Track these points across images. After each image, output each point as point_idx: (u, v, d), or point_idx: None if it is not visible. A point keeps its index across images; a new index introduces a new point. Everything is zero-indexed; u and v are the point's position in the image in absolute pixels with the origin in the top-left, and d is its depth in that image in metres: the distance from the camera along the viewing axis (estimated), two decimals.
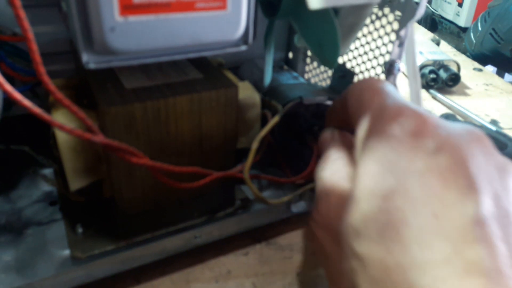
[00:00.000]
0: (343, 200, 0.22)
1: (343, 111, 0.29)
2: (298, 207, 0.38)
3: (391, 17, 0.36)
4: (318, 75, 0.49)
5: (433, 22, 0.94)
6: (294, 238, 0.39)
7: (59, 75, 0.36)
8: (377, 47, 0.39)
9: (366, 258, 0.19)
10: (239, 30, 0.27)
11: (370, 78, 0.26)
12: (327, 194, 0.24)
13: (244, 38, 0.29)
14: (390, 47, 0.37)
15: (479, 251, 0.17)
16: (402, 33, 0.33)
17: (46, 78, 0.24)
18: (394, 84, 0.35)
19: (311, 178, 0.39)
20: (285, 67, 0.50)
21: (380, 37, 0.38)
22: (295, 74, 0.47)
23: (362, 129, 0.23)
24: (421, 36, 0.83)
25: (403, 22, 0.34)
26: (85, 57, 0.26)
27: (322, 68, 0.48)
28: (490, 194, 0.19)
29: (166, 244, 0.33)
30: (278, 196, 0.38)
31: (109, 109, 0.28)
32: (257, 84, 0.44)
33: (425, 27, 0.94)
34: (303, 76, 0.52)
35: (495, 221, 0.18)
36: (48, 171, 0.41)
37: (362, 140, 0.22)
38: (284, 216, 0.38)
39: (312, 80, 0.50)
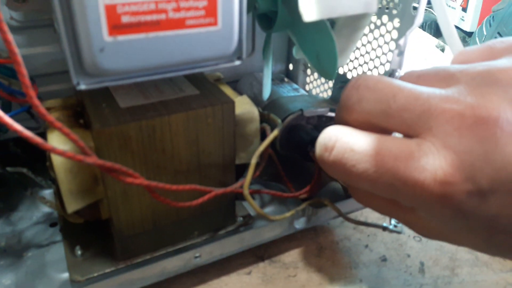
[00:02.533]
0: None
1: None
2: (301, 223, 0.37)
3: (390, 26, 0.35)
4: (319, 86, 0.48)
5: (437, 28, 0.93)
6: (298, 255, 0.39)
7: (59, 95, 0.36)
8: (377, 57, 0.38)
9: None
10: (232, 46, 0.27)
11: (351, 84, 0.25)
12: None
13: (237, 53, 0.28)
14: (390, 56, 0.36)
15: None
16: (401, 42, 0.33)
17: (35, 101, 0.23)
18: None
19: (314, 193, 0.38)
20: (286, 79, 0.49)
21: (380, 46, 0.37)
22: (295, 86, 0.47)
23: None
24: (425, 42, 0.82)
25: (402, 30, 0.33)
26: (76, 79, 0.25)
27: (323, 79, 0.47)
28: None
29: (165, 265, 0.32)
30: (282, 212, 0.37)
31: (103, 130, 0.28)
32: (257, 98, 0.43)
33: (430, 33, 0.93)
34: (304, 88, 0.51)
35: None
36: (48, 192, 0.41)
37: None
38: (287, 232, 0.37)
39: (314, 92, 0.50)
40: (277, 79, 0.48)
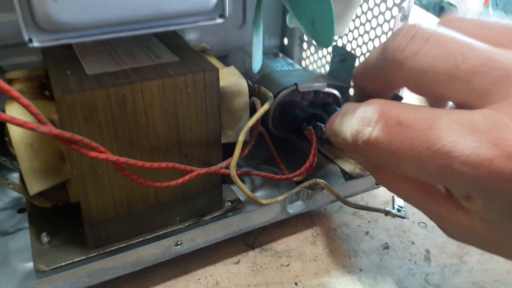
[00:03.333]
0: None
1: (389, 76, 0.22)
2: (295, 207, 0.34)
3: None
4: (316, 61, 0.45)
5: (441, 10, 0.89)
6: (291, 243, 0.35)
7: (29, 67, 0.33)
8: (379, 25, 0.34)
9: None
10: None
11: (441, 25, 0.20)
12: None
13: (219, 10, 0.24)
14: (392, 23, 0.32)
15: None
16: (404, 4, 0.29)
17: None
18: None
19: (309, 175, 0.35)
20: (280, 54, 0.45)
21: (381, 13, 0.33)
22: (290, 61, 0.43)
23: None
24: (429, 23, 0.79)
25: None
26: (27, 34, 0.21)
27: (320, 53, 0.44)
28: None
29: (141, 253, 0.29)
30: (274, 196, 0.33)
31: (65, 98, 0.24)
32: (248, 73, 0.39)
33: (434, 14, 0.89)
34: (300, 64, 0.47)
35: None
36: (17, 176, 0.37)
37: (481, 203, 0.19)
38: (280, 218, 0.34)
39: (310, 68, 0.46)
40: (270, 54, 0.44)
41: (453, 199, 0.21)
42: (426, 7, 0.91)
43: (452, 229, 0.22)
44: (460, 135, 0.17)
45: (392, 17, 0.32)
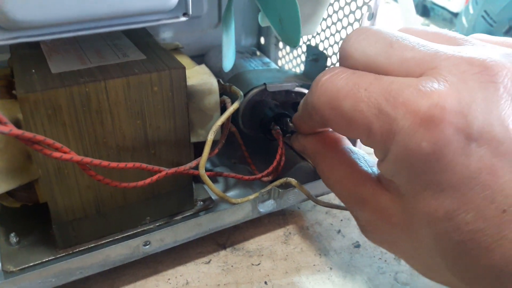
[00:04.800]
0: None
1: (314, 121, 0.25)
2: (266, 206, 0.34)
3: None
4: (292, 60, 0.45)
5: (424, 9, 0.90)
6: (263, 242, 0.35)
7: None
8: (350, 24, 0.34)
9: (453, 265, 0.19)
10: None
11: (329, 74, 0.22)
12: None
13: (182, 8, 0.24)
14: (361, 22, 0.32)
15: None
16: (371, 3, 0.29)
17: None
18: None
19: (278, 174, 0.35)
20: (258, 53, 0.45)
21: (352, 12, 0.34)
22: (266, 60, 0.43)
23: (379, 151, 0.21)
24: (411, 22, 0.79)
25: None
26: None
27: (295, 53, 0.44)
28: None
29: (109, 253, 0.29)
30: (247, 195, 0.33)
31: (27, 96, 0.24)
32: (223, 72, 0.39)
33: (417, 13, 0.90)
34: (276, 63, 0.47)
35: None
36: None
37: (389, 166, 0.20)
38: (251, 217, 0.34)
39: (286, 67, 0.46)
40: (247, 52, 0.44)
41: (381, 183, 0.22)
42: None
43: (371, 218, 0.23)
44: (394, 82, 0.20)
45: (362, 15, 0.33)
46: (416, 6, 0.92)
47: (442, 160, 0.18)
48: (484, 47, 0.20)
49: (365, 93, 0.20)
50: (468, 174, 0.18)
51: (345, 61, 0.23)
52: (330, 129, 0.28)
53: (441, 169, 0.18)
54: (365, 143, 0.21)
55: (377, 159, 0.22)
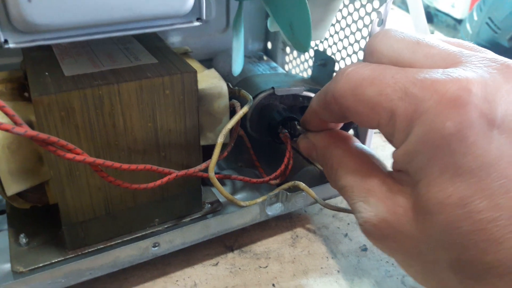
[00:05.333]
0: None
1: (329, 113, 0.26)
2: (274, 209, 0.34)
3: None
4: (299, 65, 0.45)
5: (428, 15, 0.90)
6: (270, 245, 0.35)
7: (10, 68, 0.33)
8: (359, 29, 0.35)
9: (456, 261, 0.19)
10: (187, 3, 0.23)
11: (354, 66, 0.23)
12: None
13: (196, 13, 0.25)
14: (371, 28, 0.33)
15: None
16: (382, 9, 0.29)
17: None
18: None
19: (286, 178, 0.35)
20: (265, 57, 0.46)
21: (361, 17, 0.34)
22: (274, 64, 0.43)
23: (399, 136, 0.21)
24: (411, 25, 0.80)
25: None
26: (3, 36, 0.22)
27: (303, 57, 0.44)
28: None
29: (118, 255, 0.29)
30: (254, 198, 0.34)
31: (42, 99, 0.24)
32: (231, 76, 0.40)
33: None
34: (283, 67, 0.48)
35: None
36: None
37: (408, 150, 0.20)
38: (259, 220, 0.34)
39: (293, 71, 0.47)
40: (254, 57, 0.45)
41: (391, 177, 0.23)
42: (409, 10, 0.91)
43: (376, 209, 0.22)
44: (420, 71, 0.20)
45: (371, 22, 0.33)
46: None
47: (464, 141, 0.18)
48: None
49: (391, 79, 0.21)
50: (487, 160, 0.18)
51: (371, 56, 0.23)
52: (338, 129, 0.29)
53: (462, 152, 0.18)
54: (385, 130, 0.21)
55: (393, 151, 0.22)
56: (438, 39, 0.22)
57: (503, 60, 0.20)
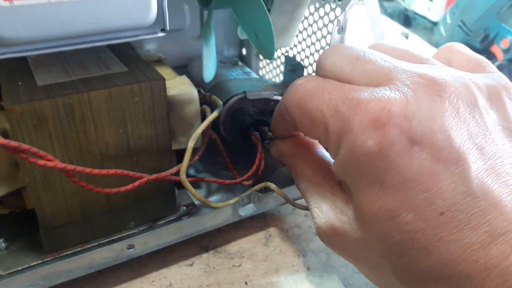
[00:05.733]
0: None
1: (285, 122, 0.28)
2: (246, 210, 0.36)
3: (333, 3, 0.33)
4: (271, 70, 0.47)
5: (406, 18, 0.92)
6: (244, 244, 0.37)
7: None
8: (323, 36, 0.36)
9: (395, 266, 0.20)
10: (150, 15, 0.25)
11: (303, 78, 0.25)
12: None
13: (160, 24, 0.26)
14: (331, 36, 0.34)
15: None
16: (341, 17, 0.31)
17: None
18: None
19: (258, 179, 0.36)
20: (240, 63, 0.47)
21: (325, 25, 0.35)
22: (247, 70, 0.45)
23: (333, 150, 0.23)
24: (392, 31, 0.82)
25: (343, 6, 0.31)
26: None
27: (275, 63, 0.46)
28: (476, 153, 0.19)
29: (94, 257, 0.30)
30: (229, 200, 0.35)
31: (14, 108, 0.25)
32: (204, 81, 0.41)
33: (399, 22, 0.92)
34: (257, 73, 0.49)
35: (490, 174, 0.19)
36: None
37: (340, 163, 0.22)
38: (232, 220, 0.35)
39: (267, 76, 0.48)
40: (229, 62, 0.46)
41: (340, 185, 0.25)
42: (391, 16, 0.94)
43: (328, 217, 0.24)
44: (352, 89, 0.22)
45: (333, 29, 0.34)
46: (398, 16, 0.94)
47: (386, 159, 0.19)
48: (440, 68, 0.23)
49: (327, 96, 0.22)
50: (409, 175, 0.19)
51: (319, 71, 0.26)
52: (302, 134, 0.30)
53: (385, 168, 0.19)
54: (323, 143, 0.23)
55: None
56: (378, 53, 0.23)
57: (432, 76, 0.21)
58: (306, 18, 0.37)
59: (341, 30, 0.31)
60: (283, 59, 0.44)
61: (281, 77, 0.45)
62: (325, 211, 0.24)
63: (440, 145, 0.19)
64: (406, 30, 0.83)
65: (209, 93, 0.35)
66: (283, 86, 0.41)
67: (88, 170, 0.27)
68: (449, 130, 0.19)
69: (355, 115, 0.20)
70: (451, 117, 0.20)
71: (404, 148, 0.19)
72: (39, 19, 0.22)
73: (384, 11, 0.95)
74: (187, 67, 0.47)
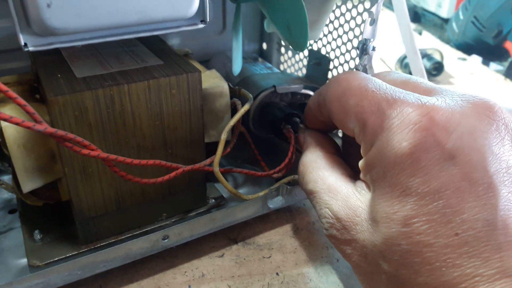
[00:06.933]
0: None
1: (320, 113, 0.28)
2: (275, 202, 0.36)
3: None
4: (294, 65, 0.47)
5: (415, 15, 0.92)
6: (272, 237, 0.37)
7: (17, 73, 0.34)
8: (351, 29, 0.36)
9: (393, 276, 0.20)
10: (193, 6, 0.25)
11: (347, 74, 0.25)
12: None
13: (200, 16, 0.26)
14: (363, 27, 0.35)
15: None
16: (373, 9, 0.31)
17: None
18: (370, 64, 0.33)
19: (288, 171, 0.37)
20: (260, 59, 0.47)
21: (353, 17, 0.36)
22: (269, 65, 0.45)
23: (366, 146, 0.22)
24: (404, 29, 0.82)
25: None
26: (23, 39, 0.23)
27: (297, 57, 0.46)
28: (509, 186, 0.18)
29: (130, 247, 0.30)
30: (255, 193, 0.35)
31: (57, 99, 0.26)
32: (229, 77, 0.41)
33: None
34: (278, 67, 0.49)
35: None
36: (7, 178, 0.39)
37: (369, 160, 0.22)
38: (261, 212, 0.36)
39: (288, 70, 0.48)
40: (250, 58, 0.46)
41: (355, 186, 0.24)
42: None
43: (338, 210, 0.24)
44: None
45: (363, 21, 0.35)
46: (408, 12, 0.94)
47: (415, 164, 0.19)
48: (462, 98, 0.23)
49: (371, 94, 0.22)
50: (436, 186, 0.18)
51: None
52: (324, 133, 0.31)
53: (412, 173, 0.19)
54: (358, 138, 0.23)
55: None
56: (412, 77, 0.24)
57: (484, 98, 0.20)
58: (333, 11, 0.38)
59: (373, 22, 0.32)
60: (306, 52, 0.44)
61: (303, 71, 0.45)
62: (338, 204, 0.24)
63: (475, 166, 0.18)
64: (418, 27, 0.84)
65: (237, 87, 0.36)
66: (307, 80, 0.42)
67: (128, 160, 0.27)
68: (488, 154, 0.19)
69: (397, 115, 0.20)
70: (495, 142, 0.19)
71: (437, 158, 0.19)
72: (88, 9, 0.22)
73: (392, 7, 0.95)
74: (208, 62, 0.47)
